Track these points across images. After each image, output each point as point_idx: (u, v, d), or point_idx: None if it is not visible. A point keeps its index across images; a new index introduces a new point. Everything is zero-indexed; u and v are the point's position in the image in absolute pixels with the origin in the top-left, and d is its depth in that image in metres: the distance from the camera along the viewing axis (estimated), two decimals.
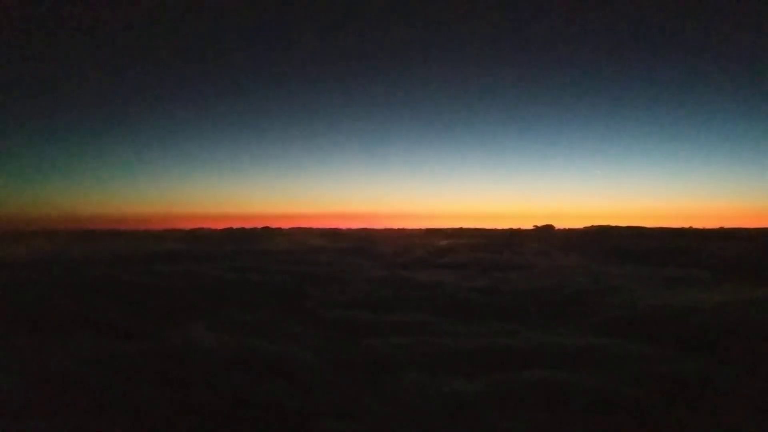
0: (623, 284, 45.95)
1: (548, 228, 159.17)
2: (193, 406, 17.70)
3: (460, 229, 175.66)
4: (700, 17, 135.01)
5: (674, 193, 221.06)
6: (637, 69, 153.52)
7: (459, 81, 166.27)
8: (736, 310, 30.75)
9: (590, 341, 25.93)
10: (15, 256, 75.98)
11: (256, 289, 45.82)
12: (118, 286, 44.68)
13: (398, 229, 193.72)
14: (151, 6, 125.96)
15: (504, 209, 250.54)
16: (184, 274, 52.59)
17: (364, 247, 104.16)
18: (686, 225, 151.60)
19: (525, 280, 51.29)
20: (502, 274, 57.32)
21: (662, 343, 25.06)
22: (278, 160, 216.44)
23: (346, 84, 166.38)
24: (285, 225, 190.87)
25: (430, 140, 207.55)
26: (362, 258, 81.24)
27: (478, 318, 33.06)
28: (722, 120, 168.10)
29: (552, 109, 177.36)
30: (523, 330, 29.28)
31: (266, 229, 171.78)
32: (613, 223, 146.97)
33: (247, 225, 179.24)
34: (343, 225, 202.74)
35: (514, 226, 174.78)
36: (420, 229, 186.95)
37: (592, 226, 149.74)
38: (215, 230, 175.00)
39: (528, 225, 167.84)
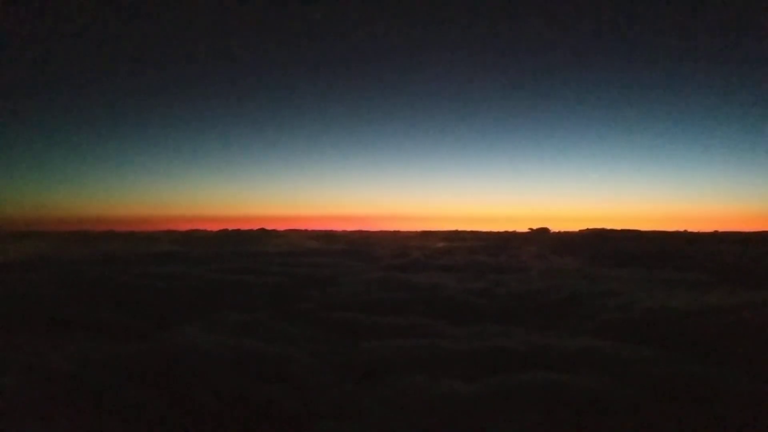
0: (620, 287, 45.96)
1: (544, 231, 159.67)
2: (189, 407, 17.61)
3: (456, 232, 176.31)
4: (692, 22, 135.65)
5: (668, 196, 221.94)
6: (633, 73, 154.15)
7: (455, 84, 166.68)
8: (733, 313, 30.81)
9: (587, 343, 25.90)
10: (10, 257, 75.63)
11: (252, 291, 45.72)
12: (113, 288, 44.58)
13: (393, 232, 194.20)
14: (144, 7, 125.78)
15: (499, 212, 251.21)
16: (180, 275, 52.49)
17: (361, 250, 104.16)
18: (681, 228, 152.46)
19: (522, 283, 51.28)
20: (499, 276, 57.30)
21: (659, 345, 25.05)
22: (274, 162, 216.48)
23: (341, 86, 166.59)
24: (280, 227, 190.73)
25: (425, 143, 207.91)
26: (359, 260, 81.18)
27: (476, 320, 33.01)
28: (717, 124, 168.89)
29: (547, 112, 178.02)
30: (520, 332, 29.25)
31: (262, 230, 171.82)
32: (608, 226, 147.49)
33: (243, 227, 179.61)
34: (338, 227, 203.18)
35: (510, 229, 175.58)
36: (415, 232, 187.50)
37: (587, 229, 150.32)
38: (210, 232, 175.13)
39: (523, 228, 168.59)
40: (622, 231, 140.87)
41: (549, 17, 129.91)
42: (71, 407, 16.83)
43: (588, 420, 16.85)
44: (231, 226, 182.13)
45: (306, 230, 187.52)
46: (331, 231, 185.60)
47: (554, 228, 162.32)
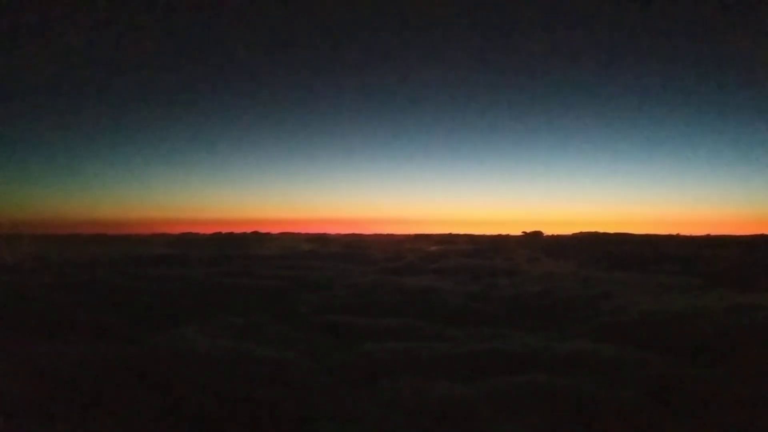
0: (615, 290, 46.30)
1: (537, 234, 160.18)
2: (185, 410, 17.61)
3: (450, 235, 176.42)
4: (687, 26, 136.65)
5: (661, 200, 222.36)
6: (627, 77, 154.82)
7: (449, 87, 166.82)
8: (729, 316, 31.10)
9: (582, 346, 26.07)
10: (4, 260, 75.21)
11: (247, 294, 45.69)
12: (108, 290, 44.44)
13: (387, 235, 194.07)
14: (139, 9, 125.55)
15: (492, 215, 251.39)
16: (174, 278, 52.40)
17: (355, 252, 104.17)
18: (674, 232, 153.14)
19: (516, 286, 51.55)
20: (494, 279, 57.57)
21: (654, 348, 25.24)
22: (267, 164, 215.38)
23: (335, 89, 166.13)
24: (274, 230, 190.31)
25: (419, 146, 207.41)
26: (353, 263, 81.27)
27: (472, 323, 33.16)
28: (710, 128, 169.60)
29: (541, 116, 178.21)
30: (515, 335, 29.42)
31: (255, 233, 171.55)
32: (601, 229, 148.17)
33: (236, 230, 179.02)
34: (332, 230, 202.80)
35: (503, 233, 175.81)
36: (409, 235, 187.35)
37: (581, 232, 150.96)
38: (204, 235, 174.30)
39: (516, 231, 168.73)
40: (616, 234, 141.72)
41: (543, 25, 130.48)
42: (67, 410, 16.80)
43: (584, 422, 16.98)
44: (224, 229, 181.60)
45: (300, 233, 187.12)
46: (325, 234, 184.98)
47: (547, 231, 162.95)
